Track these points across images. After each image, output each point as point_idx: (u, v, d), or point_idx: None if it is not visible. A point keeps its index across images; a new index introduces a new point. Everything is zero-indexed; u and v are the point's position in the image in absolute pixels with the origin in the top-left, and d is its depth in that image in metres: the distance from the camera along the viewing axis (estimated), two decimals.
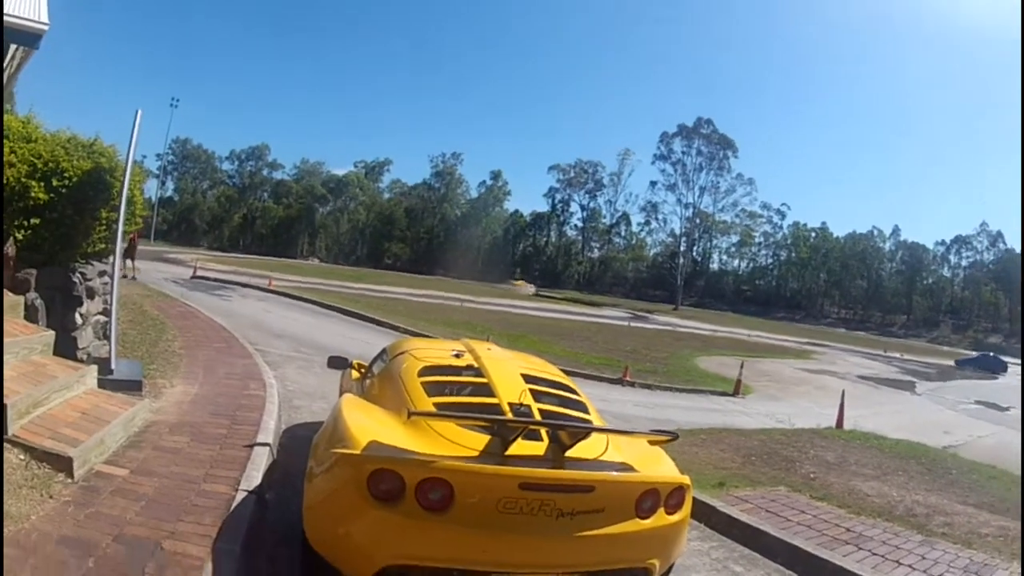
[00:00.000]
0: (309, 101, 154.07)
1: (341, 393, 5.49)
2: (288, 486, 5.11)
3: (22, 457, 4.31)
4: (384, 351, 5.70)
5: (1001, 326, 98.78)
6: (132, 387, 6.84)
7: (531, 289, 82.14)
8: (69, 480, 4.36)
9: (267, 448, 5.86)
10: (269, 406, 7.39)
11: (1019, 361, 51.35)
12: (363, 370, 6.15)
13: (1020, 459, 7.92)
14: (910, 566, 5.68)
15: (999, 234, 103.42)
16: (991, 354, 56.16)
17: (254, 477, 5.06)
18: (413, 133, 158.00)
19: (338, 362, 6.75)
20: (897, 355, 51.17)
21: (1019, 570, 5.86)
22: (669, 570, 4.23)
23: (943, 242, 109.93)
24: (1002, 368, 50.52)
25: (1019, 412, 22.73)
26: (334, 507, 3.55)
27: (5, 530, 3.52)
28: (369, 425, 3.86)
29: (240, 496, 4.65)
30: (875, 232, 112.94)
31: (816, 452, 10.26)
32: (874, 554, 5.85)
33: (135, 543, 3.73)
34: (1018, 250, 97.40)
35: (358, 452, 3.51)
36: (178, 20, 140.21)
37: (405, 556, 3.34)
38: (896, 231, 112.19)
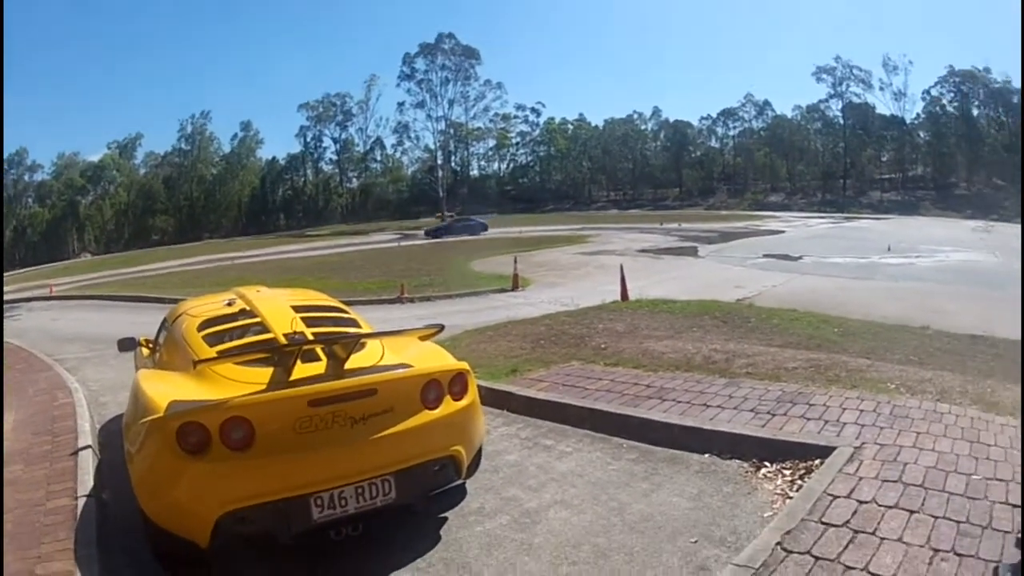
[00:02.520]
0: (54, 89, 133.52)
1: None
2: (118, 478, 5.11)
3: None
4: (164, 320, 5.78)
5: (780, 185, 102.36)
6: None
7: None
8: None
9: (89, 450, 6.07)
10: (80, 410, 7.68)
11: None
12: (151, 345, 6.20)
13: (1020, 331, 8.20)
14: (719, 406, 5.67)
15: (766, 103, 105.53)
16: (472, 219, 61.37)
17: (87, 482, 5.29)
18: (161, 99, 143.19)
19: (127, 343, 6.79)
20: (675, 225, 52.27)
21: (836, 392, 5.87)
22: (479, 456, 4.58)
23: (708, 116, 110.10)
24: (482, 228, 55.97)
25: (813, 259, 25.97)
26: (157, 476, 3.64)
27: None
28: (166, 389, 3.92)
29: (81, 503, 4.85)
30: (635, 116, 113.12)
31: (604, 325, 10.29)
32: (679, 402, 5.87)
33: None
34: (789, 115, 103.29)
35: (161, 415, 3.57)
36: None
37: (231, 501, 3.45)
38: (657, 112, 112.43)
